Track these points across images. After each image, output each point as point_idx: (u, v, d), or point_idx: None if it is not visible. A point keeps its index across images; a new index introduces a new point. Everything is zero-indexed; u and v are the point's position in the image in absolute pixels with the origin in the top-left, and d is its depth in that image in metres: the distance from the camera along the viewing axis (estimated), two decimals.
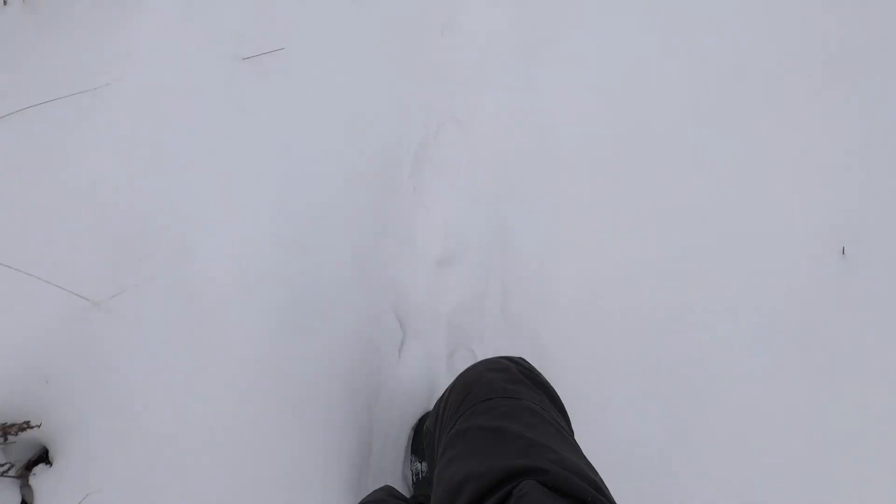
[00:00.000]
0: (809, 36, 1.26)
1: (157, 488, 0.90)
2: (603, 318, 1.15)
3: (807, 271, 1.12)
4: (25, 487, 0.91)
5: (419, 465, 1.08)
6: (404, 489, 1.10)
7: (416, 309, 1.19)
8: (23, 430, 0.86)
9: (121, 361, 0.94)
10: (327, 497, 0.99)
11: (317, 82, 1.18)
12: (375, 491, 0.89)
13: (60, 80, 1.07)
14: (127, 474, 0.90)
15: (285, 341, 1.03)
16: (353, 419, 1.06)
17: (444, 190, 1.31)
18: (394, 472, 1.10)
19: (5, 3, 1.14)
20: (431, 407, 1.12)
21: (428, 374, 1.16)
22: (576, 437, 0.67)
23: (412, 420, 1.13)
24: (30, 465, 0.93)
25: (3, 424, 0.86)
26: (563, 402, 0.72)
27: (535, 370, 0.76)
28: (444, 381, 1.14)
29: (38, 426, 0.89)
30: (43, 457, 0.94)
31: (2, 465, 0.89)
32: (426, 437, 0.86)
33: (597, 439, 0.76)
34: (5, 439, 0.86)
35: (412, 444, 1.12)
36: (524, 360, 0.79)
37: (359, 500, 0.84)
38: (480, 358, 1.06)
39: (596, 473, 0.56)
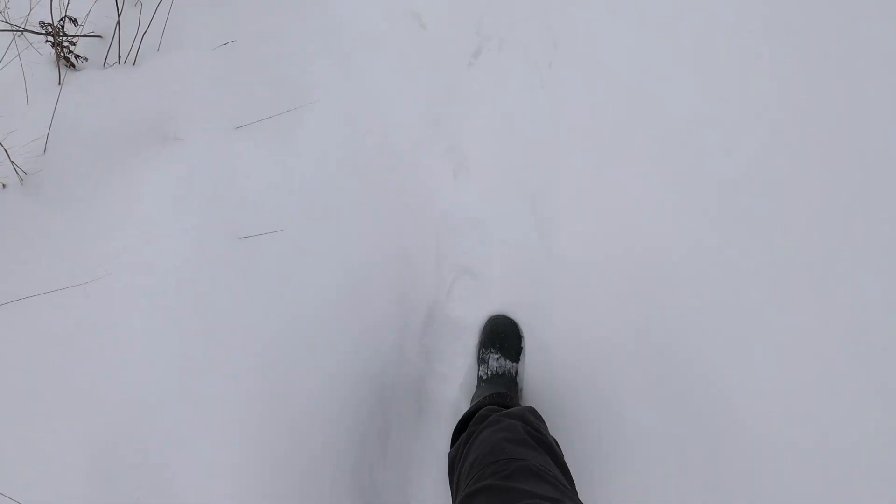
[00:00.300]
0: None
1: None
2: None
3: None
4: None
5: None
6: None
7: None
8: None
9: None
10: None
11: (317, 260, 1.13)
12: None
13: (51, 273, 1.02)
14: None
15: None
16: None
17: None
18: None
19: (4, 186, 1.12)
20: None
21: None
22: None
23: None
24: None
25: None
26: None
27: (543, 429, 0.87)
28: None
29: None
30: None
31: None
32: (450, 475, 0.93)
33: None
34: None
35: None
36: (532, 410, 0.91)
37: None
38: None
39: None
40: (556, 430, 1.04)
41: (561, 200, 1.19)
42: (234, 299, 1.08)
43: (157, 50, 1.18)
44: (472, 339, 1.27)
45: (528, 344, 1.23)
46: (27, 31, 1.06)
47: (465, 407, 1.21)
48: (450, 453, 0.93)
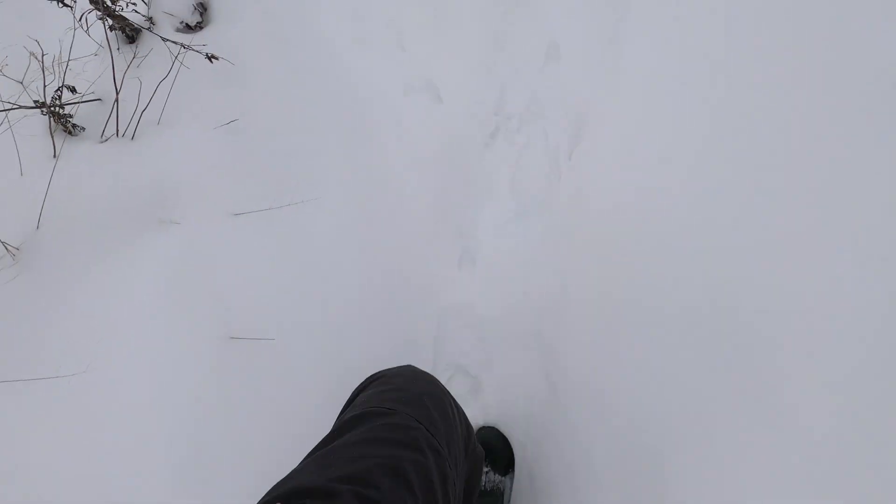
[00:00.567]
0: None
1: None
2: None
3: None
4: None
5: None
6: None
7: None
8: None
9: None
10: None
11: (312, 364, 1.09)
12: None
13: (36, 360, 0.99)
14: None
15: None
16: None
17: None
18: None
19: (103, 141, 1.08)
20: None
21: None
22: None
23: None
24: None
25: None
26: None
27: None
28: None
29: None
30: None
31: None
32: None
33: None
34: None
35: None
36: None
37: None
38: None
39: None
40: None
41: (569, 322, 1.14)
42: (224, 402, 1.05)
43: (158, 123, 1.12)
44: None
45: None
46: (20, 107, 1.01)
47: None
48: None
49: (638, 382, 0.98)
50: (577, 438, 1.08)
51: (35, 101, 1.01)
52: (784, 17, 0.91)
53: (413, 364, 0.88)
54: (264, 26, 1.24)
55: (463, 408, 1.19)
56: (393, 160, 1.26)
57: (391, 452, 0.58)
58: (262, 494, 0.56)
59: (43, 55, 1.08)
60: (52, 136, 1.08)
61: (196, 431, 1.02)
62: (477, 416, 1.19)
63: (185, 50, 1.05)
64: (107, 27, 1.05)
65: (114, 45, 1.16)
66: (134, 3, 1.10)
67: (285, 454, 1.04)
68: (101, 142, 1.11)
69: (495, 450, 1.14)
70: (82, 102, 1.13)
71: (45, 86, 1.08)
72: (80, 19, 1.03)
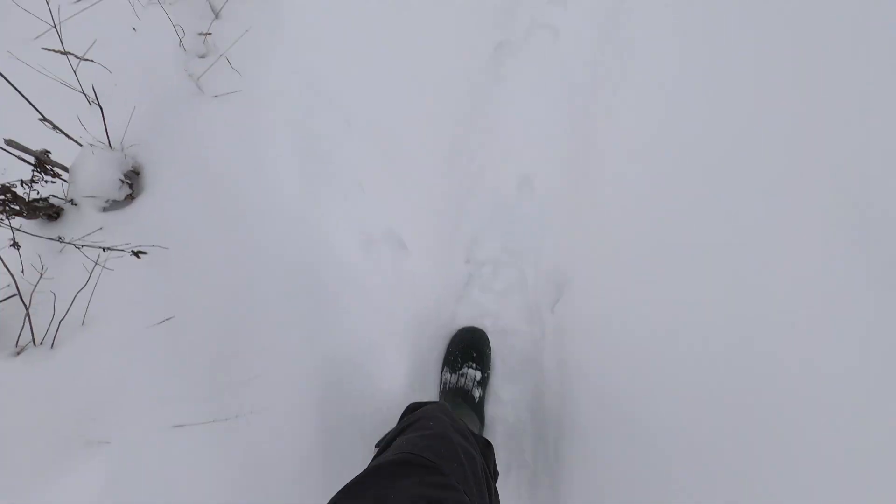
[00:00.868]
0: None
1: None
2: None
3: None
4: None
5: (449, 375, 1.15)
6: None
7: None
8: None
9: None
10: None
11: None
12: (431, 408, 0.90)
13: None
14: None
15: None
16: None
17: None
18: None
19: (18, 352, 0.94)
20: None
21: None
22: None
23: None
24: None
25: None
26: None
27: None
28: None
29: None
30: None
31: None
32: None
33: None
34: None
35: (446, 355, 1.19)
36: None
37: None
38: None
39: None
40: None
41: None
42: None
43: (82, 324, 0.99)
44: None
45: None
46: None
47: None
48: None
49: None
50: None
51: None
52: None
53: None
54: (205, 190, 1.12)
55: None
56: (360, 334, 1.13)
57: None
58: None
59: None
60: None
61: None
62: None
63: (107, 252, 0.92)
64: (12, 228, 0.92)
65: (33, 229, 1.03)
66: (45, 195, 0.97)
67: None
68: (15, 354, 0.97)
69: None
70: None
71: None
72: None
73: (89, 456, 0.94)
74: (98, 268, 0.92)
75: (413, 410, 0.92)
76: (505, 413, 1.16)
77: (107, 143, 1.04)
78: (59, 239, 0.96)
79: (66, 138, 1.02)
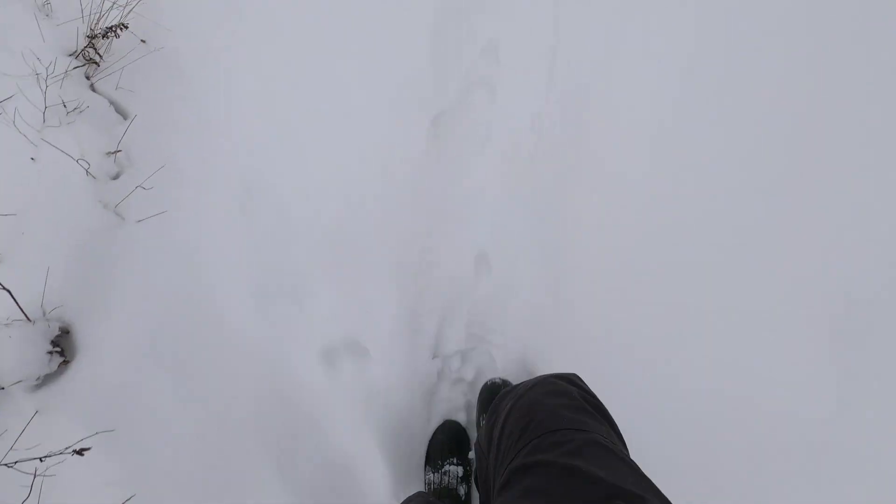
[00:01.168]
0: None
1: None
2: None
3: None
4: None
5: (432, 475, 1.14)
6: None
7: None
8: None
9: None
10: None
11: None
12: (411, 497, 0.86)
13: None
14: None
15: None
16: None
17: None
18: None
19: None
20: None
21: None
22: None
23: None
24: None
25: None
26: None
27: (592, 393, 0.73)
28: None
29: None
30: None
31: None
32: (477, 459, 0.83)
33: None
34: None
35: (427, 456, 1.17)
36: (578, 377, 0.76)
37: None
38: None
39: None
40: None
41: None
42: None
43: None
44: None
45: None
46: None
47: None
48: (480, 433, 0.84)
49: None
50: None
51: None
52: None
53: None
54: (147, 337, 1.04)
55: None
56: (337, 454, 1.10)
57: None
58: None
59: None
60: None
61: None
62: None
63: (45, 460, 0.84)
64: None
65: None
66: None
67: None
68: None
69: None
70: None
71: None
72: None
73: None
74: (39, 479, 0.84)
75: None
76: None
77: (24, 317, 0.94)
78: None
79: None
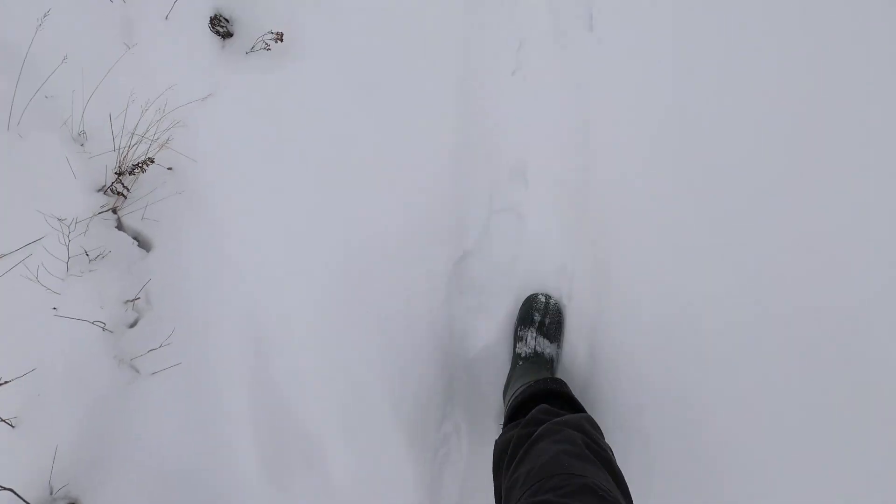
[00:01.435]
0: None
1: None
2: None
3: None
4: None
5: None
6: None
7: None
8: None
9: None
10: None
11: None
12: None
13: None
14: None
15: None
16: None
17: None
18: None
19: None
20: None
21: None
22: None
23: None
24: None
25: None
26: None
27: (601, 441, 0.83)
28: None
29: None
30: None
31: None
32: (495, 490, 0.91)
33: None
34: None
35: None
36: (589, 421, 0.88)
37: None
38: None
39: None
40: None
41: None
42: None
43: None
44: None
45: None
46: None
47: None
48: (498, 440, 0.93)
49: None
50: None
51: None
52: None
53: None
54: None
55: None
56: None
57: None
58: None
59: None
60: None
61: None
62: None
63: None
64: None
65: None
66: None
67: None
68: None
69: (543, 314, 1.21)
70: None
71: None
72: None
73: None
74: None
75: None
76: None
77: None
78: None
79: None
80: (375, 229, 1.25)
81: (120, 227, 1.27)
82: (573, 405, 0.99)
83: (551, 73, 1.35)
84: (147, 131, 1.26)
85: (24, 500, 0.90)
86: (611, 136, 1.28)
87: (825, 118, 1.02)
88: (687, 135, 1.17)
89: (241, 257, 1.24)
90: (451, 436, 1.20)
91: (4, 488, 0.85)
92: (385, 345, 1.19)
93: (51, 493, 0.97)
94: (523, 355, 1.19)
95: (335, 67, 1.30)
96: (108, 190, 1.26)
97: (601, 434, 0.89)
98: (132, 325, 1.16)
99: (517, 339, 1.24)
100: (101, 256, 1.16)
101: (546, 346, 1.20)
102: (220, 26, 1.28)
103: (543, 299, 1.25)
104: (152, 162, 1.26)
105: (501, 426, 1.06)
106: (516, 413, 0.99)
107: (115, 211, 1.27)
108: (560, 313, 1.26)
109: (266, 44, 1.28)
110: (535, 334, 1.20)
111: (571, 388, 1.05)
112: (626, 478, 0.78)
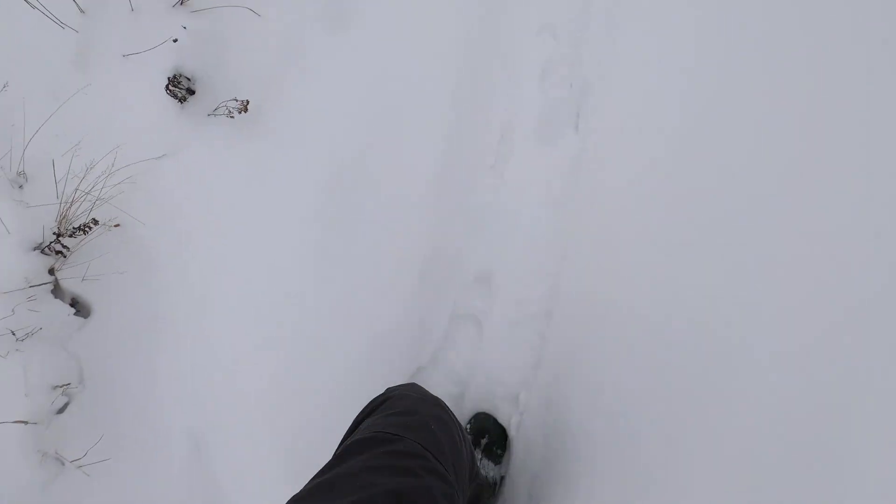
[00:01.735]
0: None
1: None
2: None
3: None
4: None
5: None
6: None
7: None
8: None
9: None
10: None
11: None
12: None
13: None
14: None
15: None
16: None
17: None
18: None
19: None
20: None
21: None
22: None
23: None
24: None
25: None
26: None
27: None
28: None
29: None
30: None
31: None
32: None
33: None
34: None
35: None
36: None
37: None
38: None
39: None
40: None
41: None
42: None
43: None
44: None
45: None
46: None
47: None
48: None
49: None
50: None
51: None
52: None
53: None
54: None
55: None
56: None
57: (397, 480, 0.58)
58: None
59: None
60: None
61: None
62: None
63: None
64: None
65: None
66: None
67: None
68: None
69: (491, 436, 1.14)
70: None
71: None
72: None
73: None
74: None
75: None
76: None
77: None
78: None
79: None
80: (325, 337, 1.17)
81: (57, 290, 1.17)
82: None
83: (533, 178, 1.26)
84: (94, 187, 1.15)
85: None
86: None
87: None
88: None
89: (185, 332, 1.16)
90: None
91: None
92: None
93: None
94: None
95: (303, 157, 1.18)
96: (47, 248, 1.16)
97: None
98: (61, 411, 1.08)
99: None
100: (30, 335, 1.07)
101: (490, 469, 1.13)
102: (179, 87, 1.15)
103: (489, 419, 1.17)
104: (96, 223, 1.15)
105: None
106: None
107: (52, 272, 1.17)
108: (504, 433, 1.17)
109: (229, 111, 1.16)
110: (479, 456, 1.13)
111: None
112: None
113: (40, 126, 1.18)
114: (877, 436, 0.80)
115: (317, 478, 0.62)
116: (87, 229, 1.14)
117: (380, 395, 0.78)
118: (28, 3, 1.09)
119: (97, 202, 1.15)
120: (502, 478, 1.16)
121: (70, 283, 1.18)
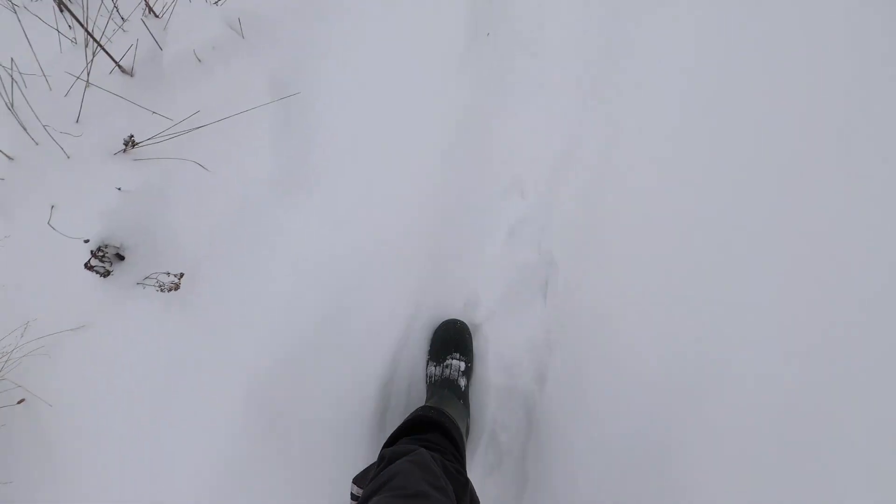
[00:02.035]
0: None
1: None
2: None
3: None
4: None
5: (433, 368, 1.21)
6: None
7: None
8: None
9: None
10: None
11: None
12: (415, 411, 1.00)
13: None
14: None
15: None
16: None
17: None
18: None
19: None
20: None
21: None
22: None
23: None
24: None
25: None
26: None
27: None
28: None
29: None
30: None
31: None
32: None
33: None
34: None
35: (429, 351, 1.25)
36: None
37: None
38: None
39: None
40: None
41: None
42: None
43: None
44: None
45: None
46: None
47: None
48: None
49: None
50: None
51: None
52: None
53: None
54: None
55: None
56: None
57: None
58: None
59: None
60: None
61: None
62: None
63: None
64: None
65: None
66: None
67: None
68: None
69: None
70: None
71: None
72: None
73: None
74: None
75: (386, 459, 0.85)
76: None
77: None
78: None
79: None
80: None
81: None
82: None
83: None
84: None
85: None
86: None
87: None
88: None
89: None
90: None
91: None
92: None
93: None
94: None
95: (230, 354, 1.04)
96: None
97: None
98: None
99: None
100: None
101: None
102: (104, 260, 1.01)
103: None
104: None
105: None
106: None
107: None
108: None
109: (161, 285, 1.02)
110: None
111: None
112: None
113: None
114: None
115: None
116: None
117: (388, 470, 0.79)
118: None
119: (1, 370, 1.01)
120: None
121: None
